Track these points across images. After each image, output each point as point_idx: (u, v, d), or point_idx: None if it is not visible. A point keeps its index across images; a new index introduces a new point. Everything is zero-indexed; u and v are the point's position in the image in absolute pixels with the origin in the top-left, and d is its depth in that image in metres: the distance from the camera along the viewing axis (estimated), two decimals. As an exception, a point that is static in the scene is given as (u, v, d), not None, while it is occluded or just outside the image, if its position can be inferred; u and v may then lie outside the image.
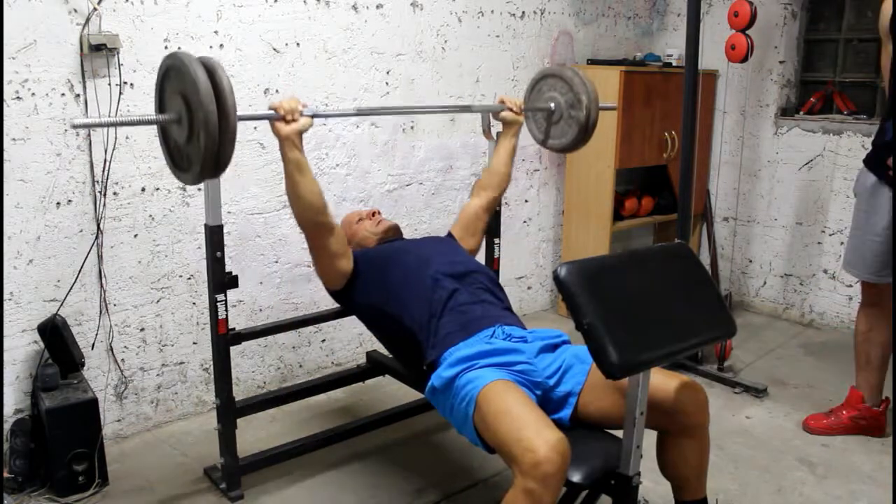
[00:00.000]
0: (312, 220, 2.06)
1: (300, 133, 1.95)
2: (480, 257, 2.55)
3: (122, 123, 1.80)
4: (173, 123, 1.69)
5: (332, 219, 2.10)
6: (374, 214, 2.48)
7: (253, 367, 3.01)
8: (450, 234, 2.48)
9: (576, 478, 1.63)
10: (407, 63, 3.22)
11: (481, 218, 2.50)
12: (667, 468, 1.87)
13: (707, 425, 1.84)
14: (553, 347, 1.99)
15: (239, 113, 1.68)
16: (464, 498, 2.35)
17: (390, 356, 2.59)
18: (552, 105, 2.42)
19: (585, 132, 2.36)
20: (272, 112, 1.93)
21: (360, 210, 2.62)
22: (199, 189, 2.67)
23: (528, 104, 2.48)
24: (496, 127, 2.57)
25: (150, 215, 2.62)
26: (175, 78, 1.66)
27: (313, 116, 1.98)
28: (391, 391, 3.02)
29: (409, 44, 3.21)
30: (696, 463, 1.84)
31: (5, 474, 2.30)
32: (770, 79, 3.92)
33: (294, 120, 1.93)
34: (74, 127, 1.67)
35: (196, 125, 1.59)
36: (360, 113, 2.39)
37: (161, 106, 1.76)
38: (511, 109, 2.45)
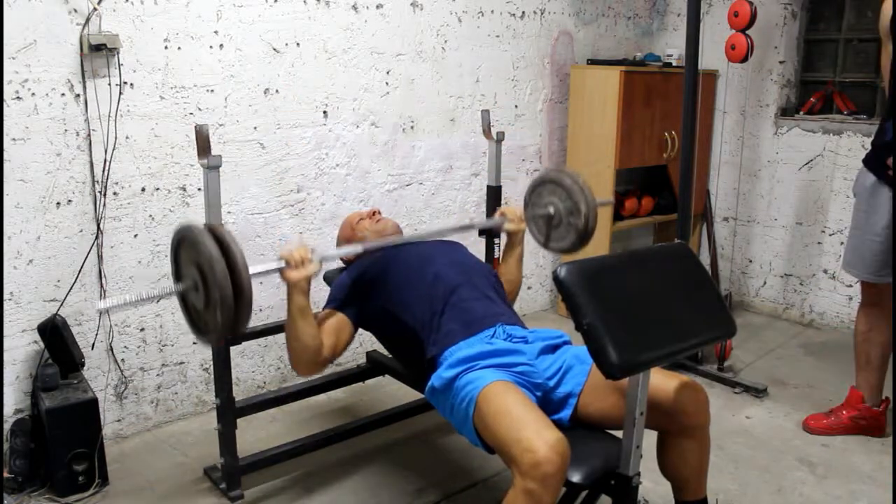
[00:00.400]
0: (307, 361, 2.02)
1: (309, 279, 1.95)
2: (480, 257, 2.54)
3: (143, 300, 1.80)
4: (191, 291, 1.72)
5: (323, 349, 2.04)
6: (374, 214, 2.48)
7: (253, 367, 3.01)
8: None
9: (576, 478, 1.63)
10: (407, 63, 3.22)
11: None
12: (667, 468, 1.87)
13: (707, 425, 1.84)
14: (553, 348, 1.99)
15: (251, 270, 1.69)
16: (464, 498, 2.35)
17: (390, 356, 2.58)
18: (551, 210, 2.42)
19: (583, 238, 2.36)
20: (283, 263, 1.92)
21: (360, 210, 2.61)
22: (199, 189, 2.67)
23: (528, 211, 2.48)
24: (496, 127, 2.57)
25: (150, 215, 2.62)
26: (189, 248, 1.68)
27: (322, 261, 1.97)
28: (391, 391, 3.02)
29: (409, 44, 3.21)
30: (696, 463, 1.84)
31: (5, 474, 2.30)
32: (770, 79, 3.92)
33: (304, 267, 1.92)
34: (98, 311, 1.69)
35: (213, 301, 1.62)
36: (367, 250, 2.26)
37: (178, 274, 1.77)
38: (512, 221, 2.41)
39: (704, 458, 1.86)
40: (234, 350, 2.29)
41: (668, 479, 1.89)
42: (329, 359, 2.07)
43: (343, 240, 2.45)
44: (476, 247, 2.57)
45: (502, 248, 2.49)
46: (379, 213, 2.50)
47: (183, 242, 1.71)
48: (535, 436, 1.55)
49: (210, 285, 1.61)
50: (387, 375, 2.82)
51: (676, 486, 1.88)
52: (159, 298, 1.85)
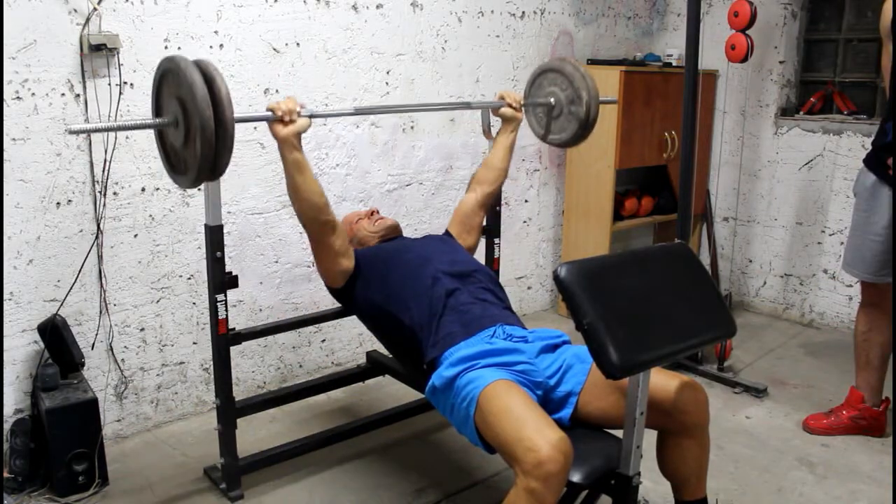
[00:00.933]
0: (314, 219, 2.06)
1: (299, 134, 1.95)
2: (480, 257, 2.55)
3: (120, 128, 1.81)
4: (170, 127, 1.68)
5: (334, 217, 2.10)
6: (372, 213, 2.48)
7: (253, 367, 3.01)
8: (448, 233, 2.48)
9: (576, 478, 1.63)
10: (407, 63, 3.22)
11: (477, 213, 2.48)
12: (667, 468, 1.87)
13: (707, 425, 1.84)
14: (553, 347, 1.99)
15: (236, 115, 1.66)
16: (464, 498, 2.35)
17: (390, 356, 2.59)
18: (552, 100, 2.40)
19: (585, 128, 2.36)
20: (269, 114, 1.92)
21: (359, 210, 2.62)
22: (200, 189, 2.67)
23: (527, 99, 2.47)
24: (496, 127, 2.57)
25: (150, 215, 2.62)
26: (172, 82, 1.64)
27: (311, 117, 1.98)
28: (391, 391, 3.02)
29: (409, 44, 3.21)
30: (696, 463, 1.84)
31: (5, 474, 2.30)
32: (770, 79, 3.92)
33: (292, 121, 1.93)
34: (71, 133, 1.69)
35: (193, 131, 1.57)
36: (359, 112, 2.36)
37: (158, 109, 1.74)
38: (510, 105, 2.44)
39: (704, 457, 1.86)
40: (234, 350, 2.29)
41: (668, 479, 1.89)
42: (335, 224, 2.08)
43: (347, 235, 2.45)
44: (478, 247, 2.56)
45: (495, 136, 2.49)
46: (377, 212, 2.50)
47: (166, 75, 1.66)
48: (537, 435, 1.55)
49: (191, 114, 1.55)
50: (387, 375, 2.83)
51: (676, 485, 1.88)
52: (136, 128, 1.81)
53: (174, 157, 1.74)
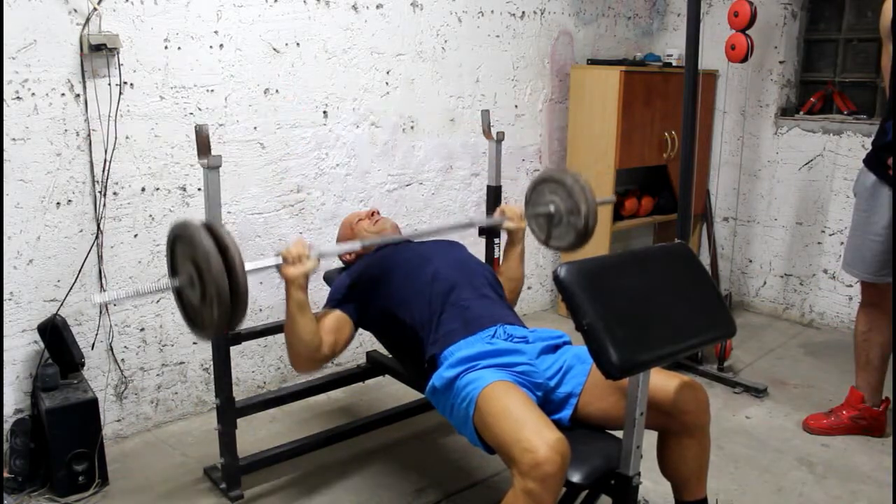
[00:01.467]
0: (307, 356, 2.02)
1: (307, 276, 1.95)
2: (480, 257, 2.54)
3: (141, 294, 1.81)
4: (186, 287, 1.72)
5: (322, 346, 2.04)
6: (372, 214, 2.48)
7: (253, 367, 3.01)
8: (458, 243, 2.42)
9: (576, 478, 1.63)
10: (407, 63, 3.22)
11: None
12: (667, 468, 1.87)
13: (707, 425, 1.83)
14: (554, 348, 1.99)
15: (247, 266, 1.68)
16: (464, 498, 2.35)
17: (390, 356, 2.59)
18: (552, 208, 2.42)
19: (583, 238, 2.37)
20: (280, 260, 1.93)
21: (359, 211, 2.61)
22: (199, 189, 2.67)
23: (528, 210, 2.47)
24: (496, 127, 2.57)
25: (150, 215, 2.62)
26: (184, 246, 1.69)
27: (320, 257, 1.97)
28: (391, 391, 3.02)
29: (409, 44, 3.21)
30: (696, 463, 1.84)
31: (5, 474, 2.30)
32: (770, 79, 3.92)
33: (301, 264, 1.93)
34: (94, 304, 1.88)
35: (209, 296, 1.62)
36: (365, 246, 2.20)
37: (173, 269, 1.78)
38: (512, 220, 2.41)
39: (704, 458, 1.86)
40: (234, 350, 2.29)
41: (668, 479, 1.89)
42: (328, 356, 2.08)
43: (342, 240, 2.45)
44: (476, 247, 2.56)
45: (503, 247, 2.49)
46: (377, 213, 2.50)
47: (179, 239, 1.71)
48: (535, 436, 1.55)
49: (206, 281, 1.60)
50: (387, 375, 2.83)
51: (676, 485, 1.88)
52: (156, 292, 1.88)
53: (191, 311, 1.76)
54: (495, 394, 1.71)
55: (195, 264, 1.65)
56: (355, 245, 2.16)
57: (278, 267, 1.92)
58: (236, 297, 1.62)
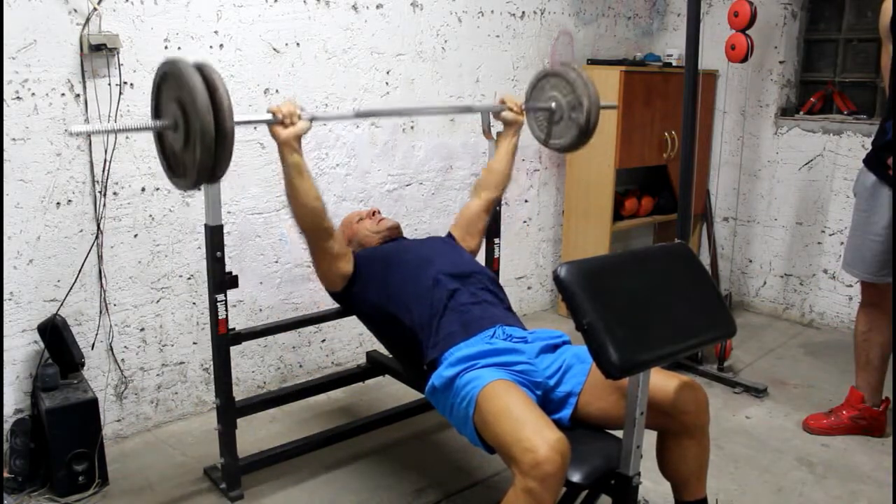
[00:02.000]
0: (312, 224, 2.06)
1: (299, 136, 1.95)
2: (480, 257, 2.55)
3: (119, 130, 1.84)
4: (169, 130, 1.68)
5: (331, 222, 2.10)
6: (374, 214, 2.48)
7: (253, 367, 3.01)
8: (450, 235, 2.48)
9: (576, 478, 1.63)
10: (407, 63, 3.22)
11: (481, 218, 2.50)
12: (667, 468, 1.87)
13: (707, 425, 1.84)
14: (553, 348, 1.99)
15: (236, 118, 1.66)
16: (464, 498, 2.35)
17: (390, 356, 2.59)
18: (553, 105, 2.41)
19: (585, 135, 2.36)
20: (270, 116, 1.92)
21: (359, 210, 2.61)
22: (200, 189, 2.66)
23: (529, 103, 2.48)
24: (496, 127, 2.57)
25: (150, 215, 2.62)
26: (172, 85, 1.63)
27: (312, 120, 1.98)
28: (391, 391, 3.02)
29: (409, 44, 3.21)
30: (696, 463, 1.84)
31: (5, 474, 2.30)
32: (770, 79, 3.92)
33: (292, 123, 1.93)
34: (71, 134, 1.72)
35: (193, 136, 1.57)
36: (360, 115, 2.36)
37: (157, 111, 1.74)
38: (512, 109, 2.44)
39: (704, 457, 1.86)
40: (234, 350, 2.29)
41: (668, 480, 1.89)
42: (332, 232, 2.08)
43: (344, 237, 2.45)
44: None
45: (500, 147, 2.50)
46: (378, 212, 2.50)
47: (167, 77, 1.65)
48: (535, 435, 1.55)
49: (191, 119, 1.55)
50: (387, 375, 2.83)
51: (676, 485, 1.88)
52: (135, 130, 1.92)
53: (173, 159, 1.73)
54: (495, 393, 1.71)
55: (181, 104, 1.58)
56: (347, 113, 2.26)
57: (269, 125, 1.92)
58: (221, 139, 1.56)
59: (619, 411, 1.74)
